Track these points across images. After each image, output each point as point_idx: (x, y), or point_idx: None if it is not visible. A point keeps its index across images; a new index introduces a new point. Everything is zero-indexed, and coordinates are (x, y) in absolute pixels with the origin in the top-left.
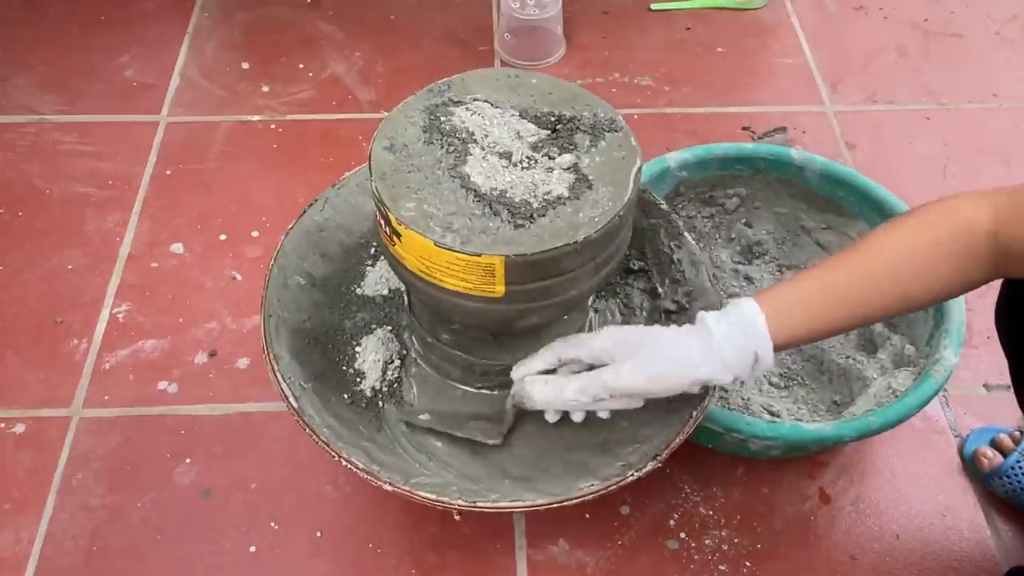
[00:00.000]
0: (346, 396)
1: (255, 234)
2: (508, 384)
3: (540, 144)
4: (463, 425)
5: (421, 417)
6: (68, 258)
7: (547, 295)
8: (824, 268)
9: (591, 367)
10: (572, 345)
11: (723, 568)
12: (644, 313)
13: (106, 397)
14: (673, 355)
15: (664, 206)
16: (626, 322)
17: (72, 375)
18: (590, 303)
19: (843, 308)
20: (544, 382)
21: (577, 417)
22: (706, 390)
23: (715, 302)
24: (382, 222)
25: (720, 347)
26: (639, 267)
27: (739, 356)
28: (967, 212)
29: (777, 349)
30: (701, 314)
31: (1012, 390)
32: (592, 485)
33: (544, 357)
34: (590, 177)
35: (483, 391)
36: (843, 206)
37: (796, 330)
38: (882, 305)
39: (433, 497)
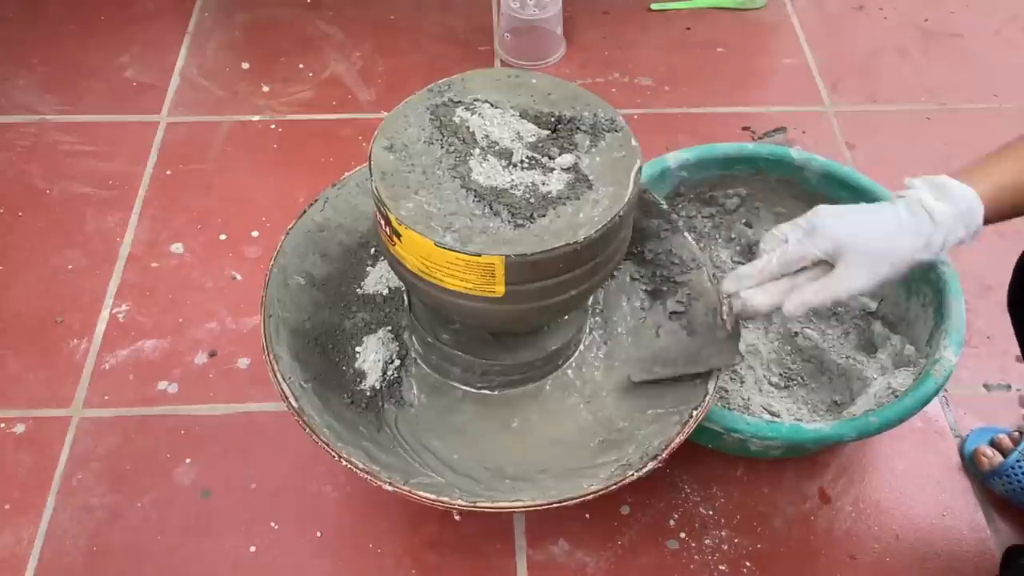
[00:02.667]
0: (346, 396)
1: (255, 234)
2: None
3: (540, 144)
4: (693, 362)
5: (655, 370)
6: (68, 258)
7: (547, 295)
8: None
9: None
10: (793, 252)
11: (723, 568)
12: (644, 313)
13: (106, 397)
14: (895, 252)
15: (664, 206)
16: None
17: (72, 375)
18: (590, 303)
19: None
20: (764, 291)
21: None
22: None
23: (715, 302)
24: (382, 222)
25: (941, 236)
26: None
27: (952, 237)
28: None
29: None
30: (918, 198)
31: None
32: (592, 485)
33: (763, 269)
34: (590, 177)
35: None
36: None
37: (1002, 205)
38: None
39: (433, 497)
